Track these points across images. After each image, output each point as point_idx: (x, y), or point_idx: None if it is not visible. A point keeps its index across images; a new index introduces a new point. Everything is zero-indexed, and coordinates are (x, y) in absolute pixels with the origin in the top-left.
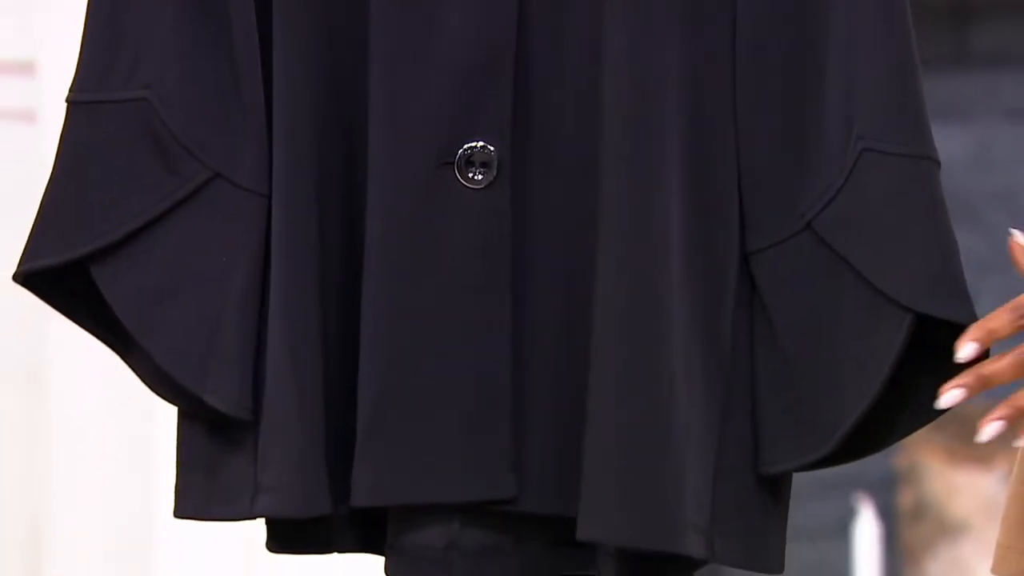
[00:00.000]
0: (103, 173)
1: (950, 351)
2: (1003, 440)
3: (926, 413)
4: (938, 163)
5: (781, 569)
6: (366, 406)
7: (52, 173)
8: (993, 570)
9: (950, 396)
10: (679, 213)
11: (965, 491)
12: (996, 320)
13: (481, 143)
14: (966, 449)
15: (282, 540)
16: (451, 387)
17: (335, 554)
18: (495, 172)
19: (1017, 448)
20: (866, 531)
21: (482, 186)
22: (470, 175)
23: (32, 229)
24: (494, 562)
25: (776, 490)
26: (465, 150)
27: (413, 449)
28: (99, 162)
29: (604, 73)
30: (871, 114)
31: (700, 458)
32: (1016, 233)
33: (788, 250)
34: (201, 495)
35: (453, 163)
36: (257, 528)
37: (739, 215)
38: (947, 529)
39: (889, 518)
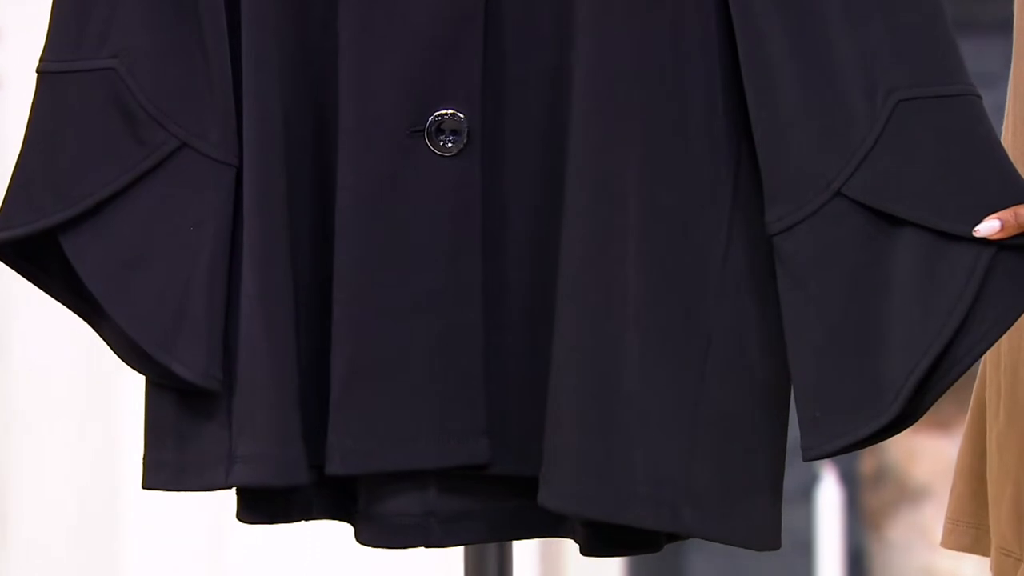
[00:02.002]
0: (72, 143)
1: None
2: (963, 405)
3: (978, 345)
4: (979, 96)
5: (774, 546)
6: (339, 374)
7: (23, 143)
8: (943, 544)
9: (988, 225)
10: (642, 190)
11: (926, 456)
12: None
13: (451, 110)
14: (927, 415)
15: (253, 510)
16: (423, 354)
17: (304, 522)
18: (465, 140)
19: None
20: (828, 496)
21: (452, 154)
22: (440, 142)
23: (3, 200)
24: (470, 525)
25: (766, 465)
26: (435, 117)
27: (387, 417)
28: (68, 132)
29: (575, 42)
30: (900, 63)
31: (664, 432)
32: (979, 228)
33: (820, 222)
34: (172, 466)
35: (423, 131)
36: (226, 498)
37: (729, 193)
38: (908, 494)
39: (851, 483)
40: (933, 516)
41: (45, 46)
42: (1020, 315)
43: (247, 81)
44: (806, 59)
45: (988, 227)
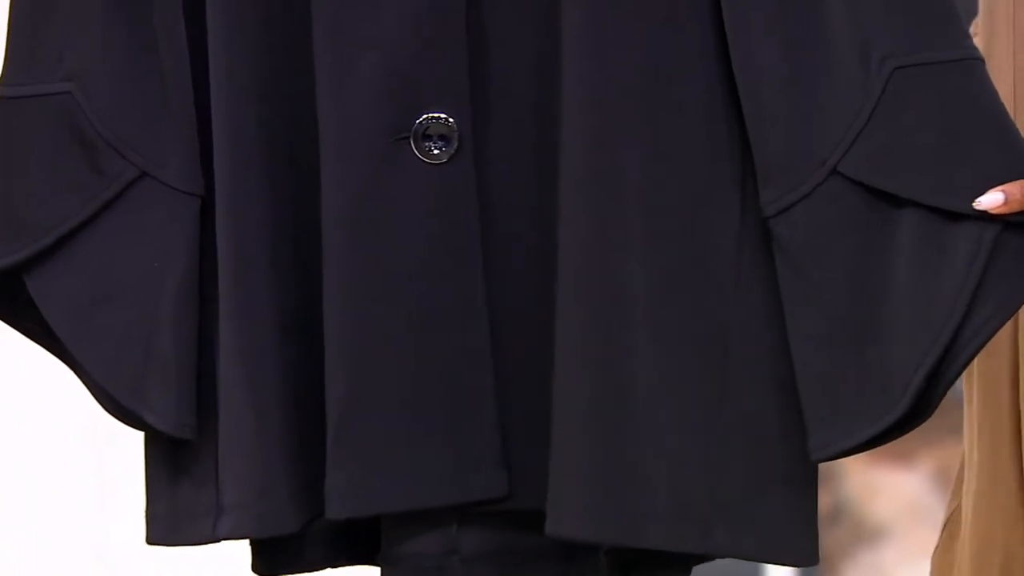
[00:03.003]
0: (28, 174)
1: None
2: (926, 438)
3: (986, 325)
4: (981, 60)
5: (813, 561)
6: (334, 408)
7: None
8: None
9: (991, 198)
10: (642, 189)
11: (886, 492)
12: None
13: (439, 114)
14: (887, 447)
15: (268, 561)
16: (428, 381)
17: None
18: (456, 145)
19: (939, 446)
20: None
21: (442, 161)
22: (428, 149)
23: None
24: (496, 563)
25: (797, 472)
26: (422, 122)
27: (390, 452)
28: (25, 162)
29: (563, 34)
30: (895, 28)
31: (687, 441)
32: (981, 200)
33: (817, 202)
34: (166, 518)
35: (409, 137)
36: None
37: (738, 180)
38: (866, 534)
39: None
40: (893, 559)
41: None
42: None
43: (216, 99)
44: (794, 25)
45: (991, 200)
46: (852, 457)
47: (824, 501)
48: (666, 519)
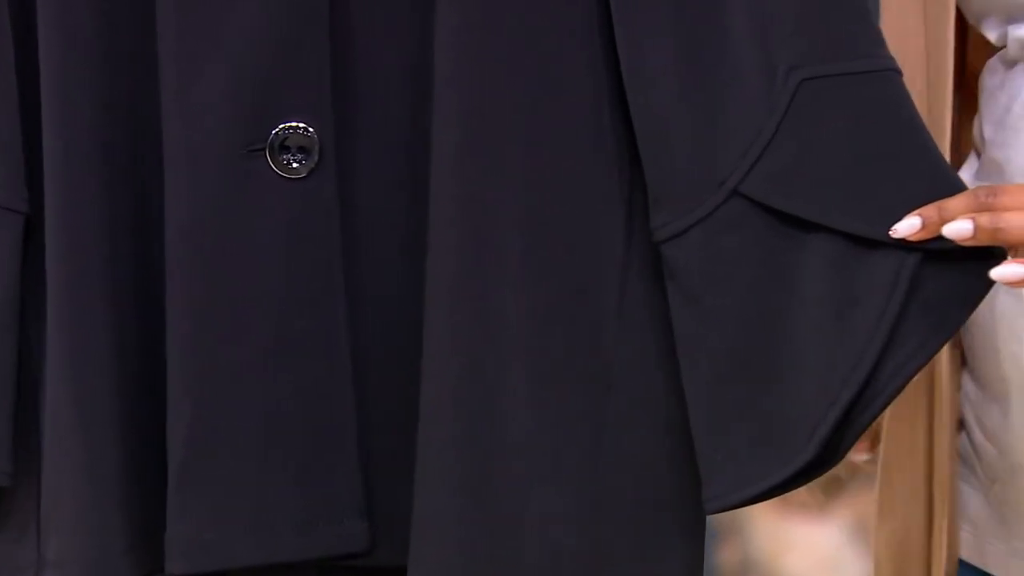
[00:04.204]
0: None
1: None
2: (841, 487)
3: (909, 365)
4: (897, 71)
5: None
6: (176, 450)
7: None
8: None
9: (907, 223)
10: (519, 210)
11: (799, 547)
12: (956, 200)
13: (298, 124)
14: (798, 497)
15: None
16: (282, 420)
17: None
18: (316, 158)
19: (856, 495)
20: None
21: (301, 175)
22: (285, 162)
23: None
24: None
25: (682, 522)
26: (278, 132)
27: (238, 499)
28: None
29: (436, 37)
30: (803, 36)
31: (561, 491)
32: (897, 227)
33: (714, 227)
34: None
35: (264, 149)
36: None
37: (625, 200)
38: None
39: None
40: None
41: None
42: (951, 334)
43: (47, 108)
44: (690, 30)
45: (907, 226)
46: (761, 507)
47: (731, 557)
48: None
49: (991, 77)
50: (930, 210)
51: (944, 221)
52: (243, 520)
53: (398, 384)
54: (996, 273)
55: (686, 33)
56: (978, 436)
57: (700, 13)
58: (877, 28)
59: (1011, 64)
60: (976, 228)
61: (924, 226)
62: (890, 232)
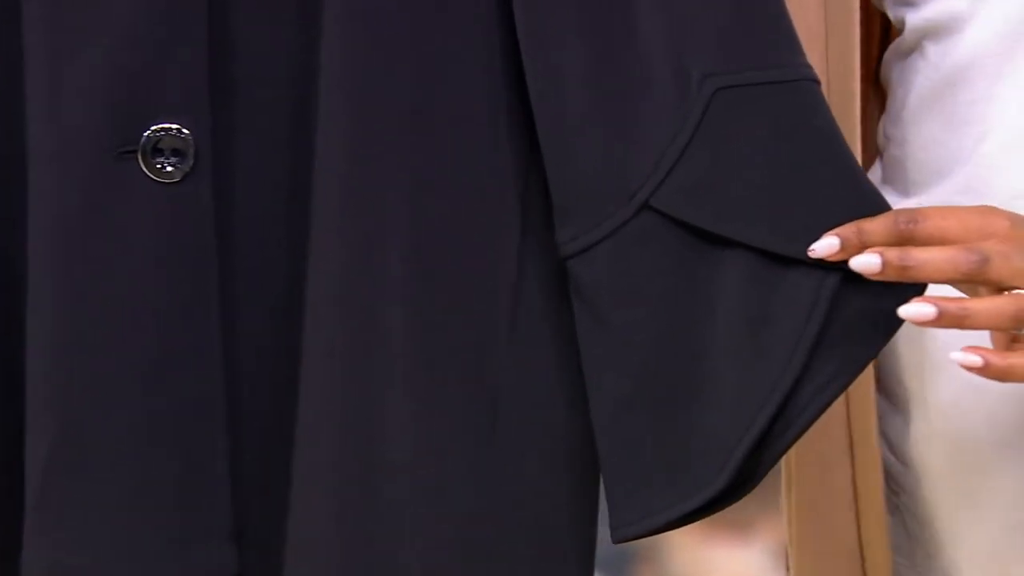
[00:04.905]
0: None
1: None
2: (764, 506)
3: (828, 389)
4: (816, 81)
5: None
6: (36, 467)
7: None
8: None
9: (826, 243)
10: (406, 218)
11: (720, 570)
12: (875, 223)
13: (171, 125)
14: (720, 517)
15: None
16: (149, 437)
17: None
18: (192, 162)
19: (780, 517)
20: None
21: (175, 179)
22: (159, 166)
23: None
24: None
25: (573, 548)
26: (151, 134)
27: (100, 520)
28: None
29: (323, 34)
30: (717, 41)
31: (443, 515)
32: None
33: (623, 242)
34: None
35: (136, 151)
36: None
37: (519, 212)
38: None
39: None
40: None
41: None
42: (873, 356)
43: None
44: (596, 32)
45: (825, 246)
46: (682, 530)
47: None
48: None
49: (888, 70)
50: (849, 231)
51: (863, 244)
52: (105, 542)
53: (276, 400)
54: (903, 311)
55: (593, 34)
56: (884, 449)
57: (608, 14)
58: (795, 35)
59: (906, 54)
60: (884, 264)
61: (842, 247)
62: (808, 252)
